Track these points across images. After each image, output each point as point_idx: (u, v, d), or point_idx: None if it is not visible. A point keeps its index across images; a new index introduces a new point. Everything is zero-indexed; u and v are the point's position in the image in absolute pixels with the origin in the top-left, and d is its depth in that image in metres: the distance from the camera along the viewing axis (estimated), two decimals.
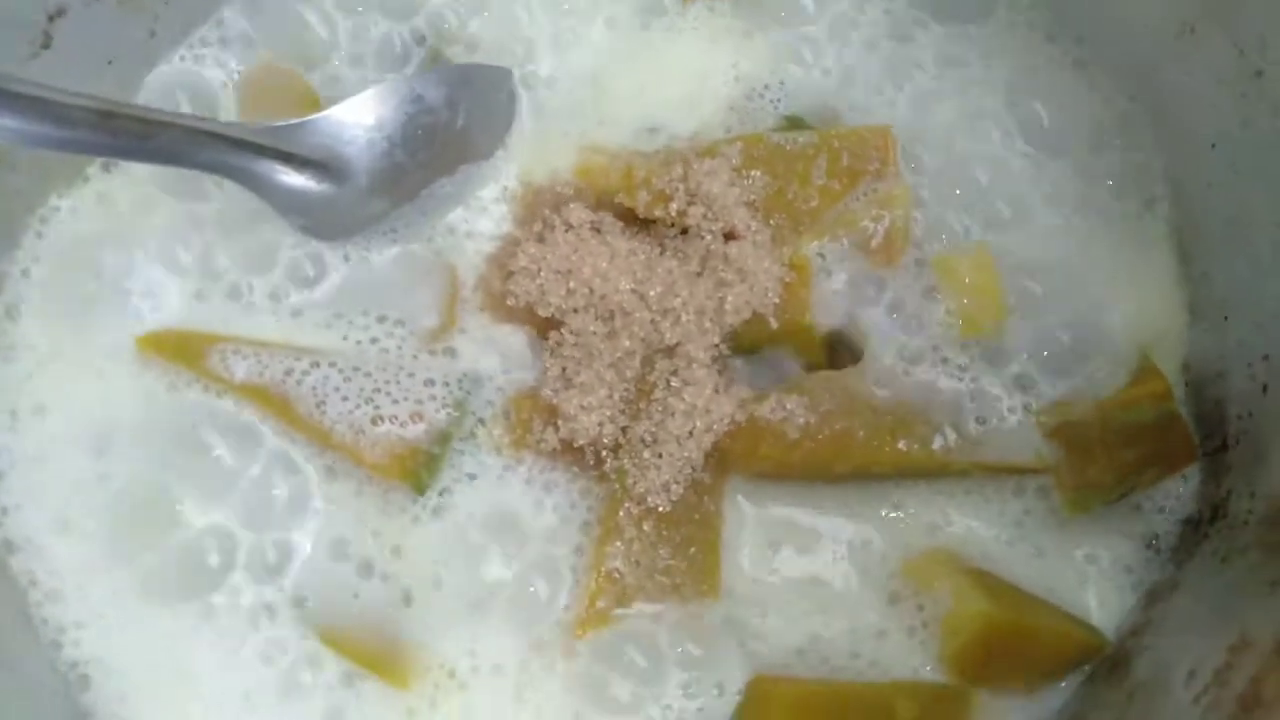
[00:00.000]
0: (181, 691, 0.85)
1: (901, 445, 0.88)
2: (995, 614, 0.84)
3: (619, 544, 0.87)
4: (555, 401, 0.89)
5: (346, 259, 0.94)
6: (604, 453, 0.89)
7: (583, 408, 0.88)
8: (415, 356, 0.92)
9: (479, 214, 0.96)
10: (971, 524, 0.90)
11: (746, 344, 0.92)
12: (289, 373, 0.89)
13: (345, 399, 0.89)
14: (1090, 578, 0.89)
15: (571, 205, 0.93)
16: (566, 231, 0.92)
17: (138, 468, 0.88)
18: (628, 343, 0.89)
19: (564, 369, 0.90)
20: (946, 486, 0.90)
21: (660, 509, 0.87)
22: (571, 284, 0.90)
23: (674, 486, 0.87)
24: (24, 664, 0.84)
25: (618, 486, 0.88)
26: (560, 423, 0.89)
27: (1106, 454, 0.88)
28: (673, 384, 0.88)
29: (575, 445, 0.89)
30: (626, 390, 0.89)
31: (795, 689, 0.84)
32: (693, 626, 0.87)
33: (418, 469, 0.88)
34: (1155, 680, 0.77)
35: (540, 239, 0.92)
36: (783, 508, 0.91)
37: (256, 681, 0.86)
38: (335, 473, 0.90)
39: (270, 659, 0.86)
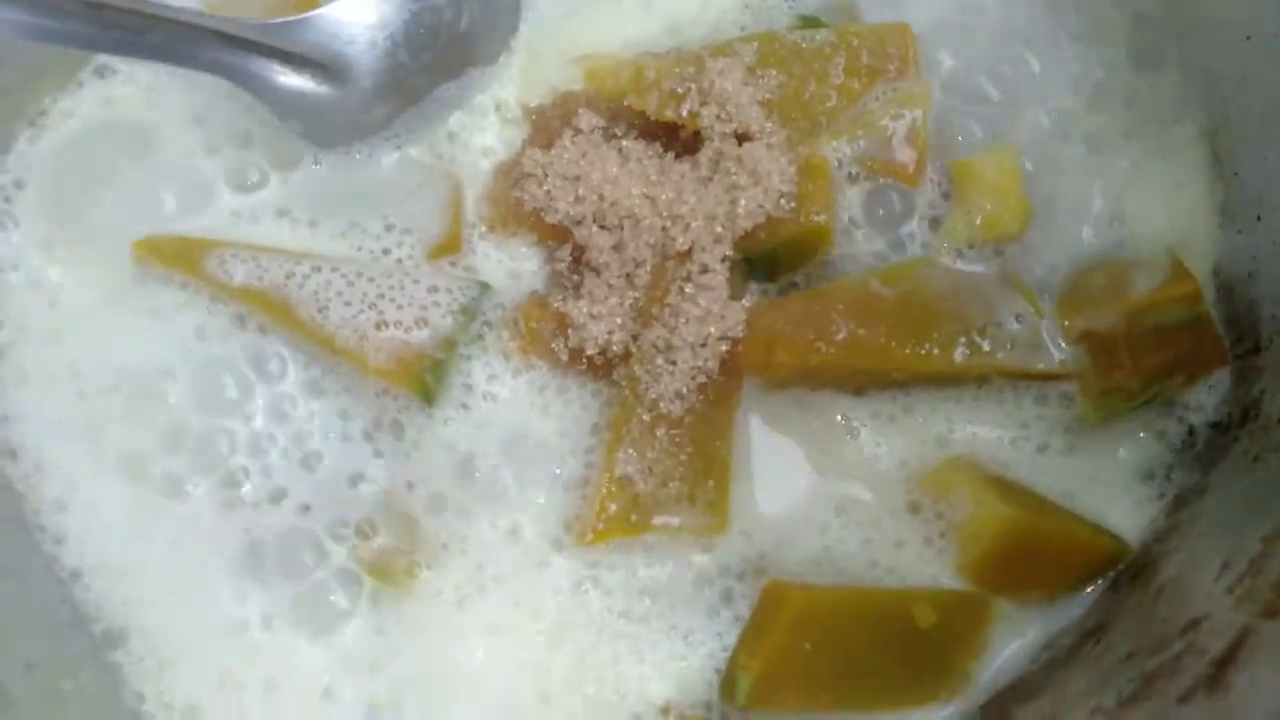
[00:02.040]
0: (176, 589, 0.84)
1: (921, 350, 0.85)
2: (1016, 517, 0.81)
3: (630, 450, 0.85)
4: (564, 310, 0.86)
5: (347, 164, 0.91)
6: (615, 360, 0.87)
7: (592, 316, 0.86)
8: (419, 264, 0.89)
9: (483, 119, 0.93)
10: (993, 431, 0.87)
11: (762, 247, 0.89)
12: (289, 276, 0.87)
13: (348, 304, 0.87)
14: (1115, 484, 0.86)
15: (580, 110, 0.90)
16: (575, 136, 0.89)
17: (136, 375, 0.86)
18: (637, 250, 0.86)
19: (573, 277, 0.88)
20: (967, 394, 0.88)
21: (672, 415, 0.85)
22: (580, 191, 0.87)
23: (687, 393, 0.85)
24: (25, 570, 0.82)
25: (629, 393, 0.86)
26: (570, 331, 0.86)
27: (1133, 358, 0.85)
28: (686, 290, 0.85)
29: (585, 353, 0.86)
30: (637, 298, 0.86)
31: (809, 593, 0.82)
32: (706, 537, 0.85)
33: (422, 374, 0.86)
34: (1183, 577, 0.75)
35: (547, 145, 0.89)
36: (797, 420, 0.88)
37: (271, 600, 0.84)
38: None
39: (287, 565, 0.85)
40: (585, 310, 0.86)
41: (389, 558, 0.84)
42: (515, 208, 0.90)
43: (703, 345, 0.84)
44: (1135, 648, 0.72)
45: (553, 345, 0.87)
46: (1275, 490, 0.74)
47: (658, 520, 0.84)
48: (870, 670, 0.82)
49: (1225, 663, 0.60)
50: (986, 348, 0.85)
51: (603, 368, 0.87)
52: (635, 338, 0.86)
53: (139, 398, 0.86)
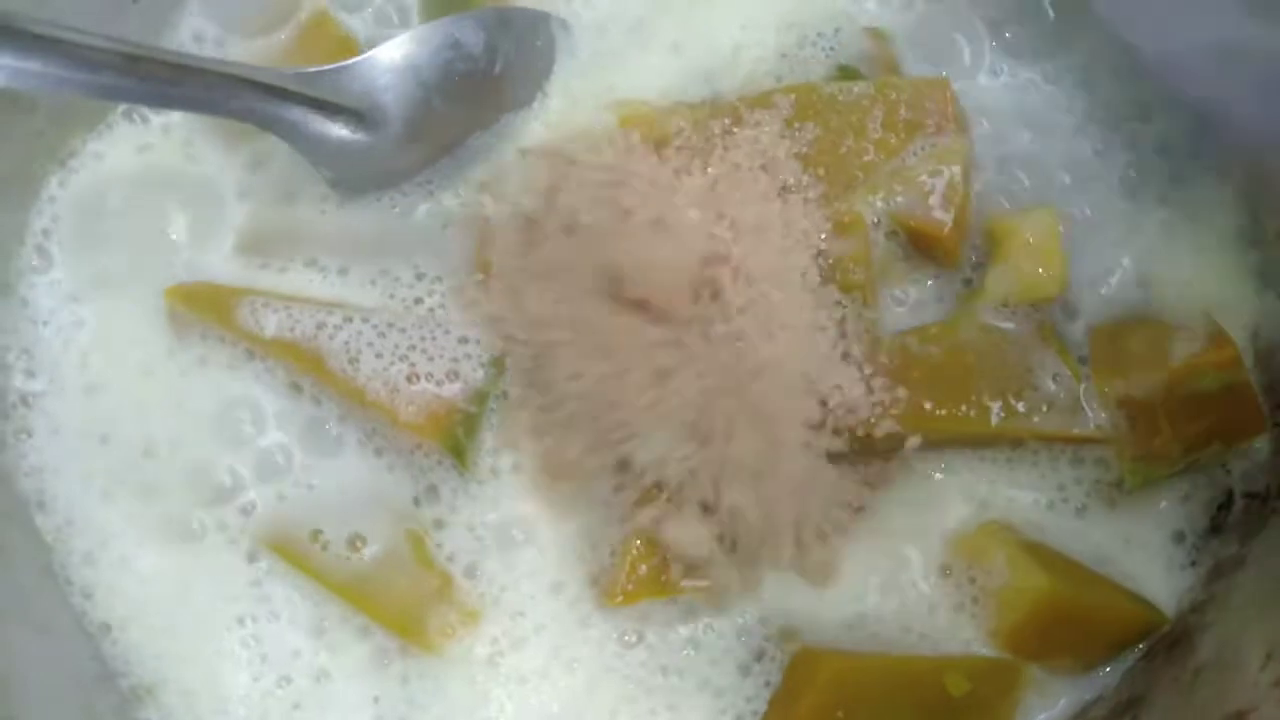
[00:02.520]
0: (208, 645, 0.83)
1: (958, 411, 0.84)
2: (1053, 588, 0.81)
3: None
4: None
5: (378, 211, 0.90)
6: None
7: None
8: (450, 314, 0.88)
9: (512, 168, 0.92)
10: (1027, 495, 0.87)
11: None
12: (320, 327, 0.86)
13: (379, 355, 0.86)
14: (1152, 550, 0.86)
15: None
16: None
17: (166, 427, 0.86)
18: None
19: None
20: (1001, 456, 0.87)
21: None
22: None
23: None
24: (52, 624, 0.82)
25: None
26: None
27: (1171, 424, 0.84)
28: None
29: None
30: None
31: (841, 661, 0.81)
32: (739, 599, 0.84)
33: (453, 428, 0.85)
34: (1224, 660, 0.74)
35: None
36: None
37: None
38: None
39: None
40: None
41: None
42: None
43: None
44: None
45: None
46: None
47: (687, 583, 0.83)
48: None
49: None
50: (1023, 409, 0.85)
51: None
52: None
53: (176, 455, 0.85)
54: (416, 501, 0.86)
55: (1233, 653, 0.74)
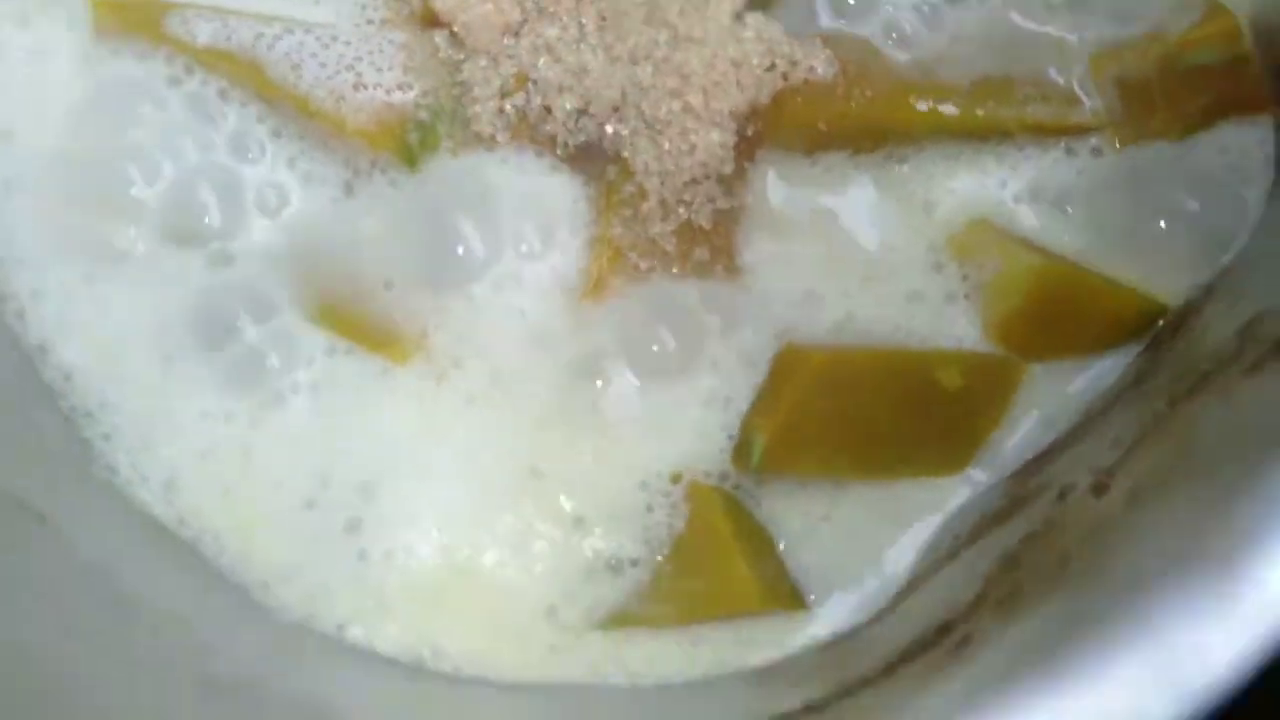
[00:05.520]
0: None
1: (941, 104, 0.79)
2: (1049, 265, 0.76)
3: (628, 211, 0.79)
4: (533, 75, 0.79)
5: None
6: (605, 125, 0.80)
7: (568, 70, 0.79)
8: (400, 28, 0.83)
9: None
10: (1019, 190, 0.81)
11: None
12: (259, 37, 0.80)
13: (323, 65, 0.80)
14: (1154, 240, 0.80)
15: None
16: None
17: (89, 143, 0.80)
18: None
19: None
20: (989, 149, 0.81)
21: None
22: None
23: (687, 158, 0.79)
24: None
25: (624, 155, 0.79)
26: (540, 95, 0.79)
27: (1169, 103, 0.79)
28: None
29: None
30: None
31: (828, 354, 0.76)
32: (717, 300, 0.79)
33: (405, 135, 0.79)
34: (1236, 301, 0.69)
35: None
36: (814, 183, 0.82)
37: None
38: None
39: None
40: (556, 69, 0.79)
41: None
42: None
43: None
44: (1184, 369, 0.66)
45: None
46: None
47: (659, 279, 0.78)
48: (892, 435, 0.76)
49: None
50: (1010, 98, 0.80)
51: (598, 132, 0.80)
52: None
53: (98, 166, 0.80)
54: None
55: (1243, 293, 0.69)
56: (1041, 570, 0.57)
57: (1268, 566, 0.40)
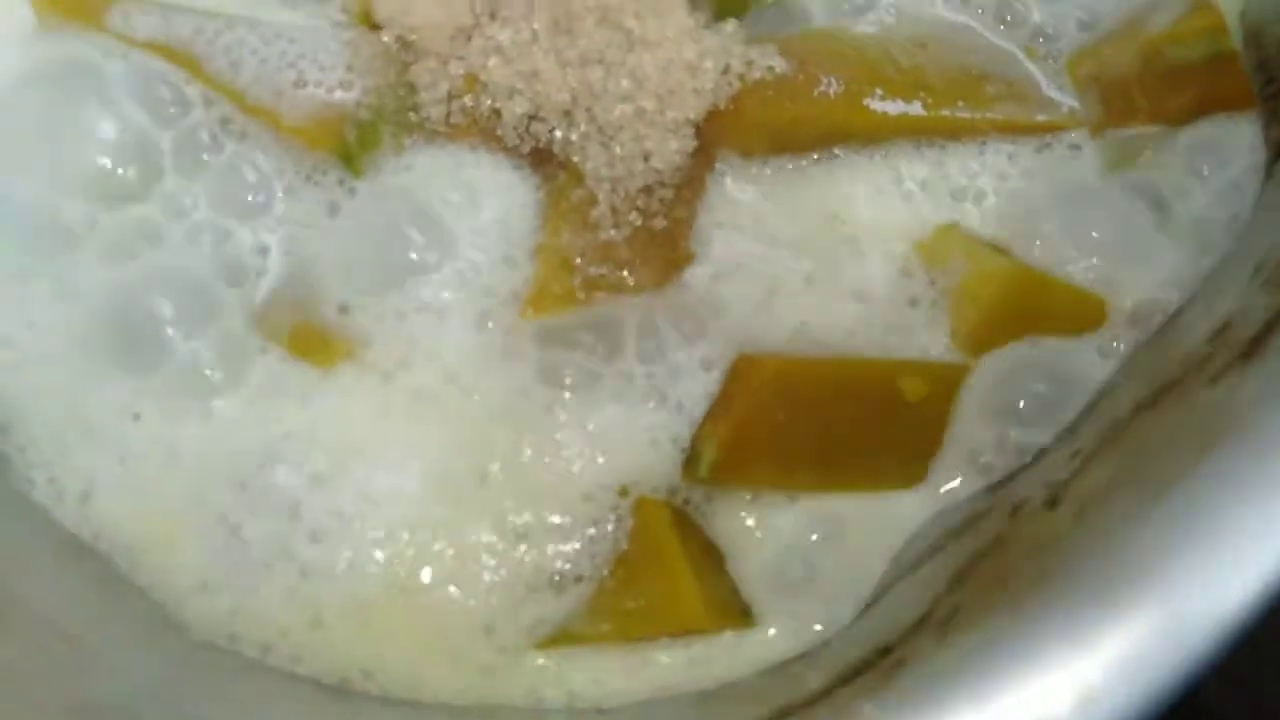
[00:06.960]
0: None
1: (909, 103, 0.76)
2: (1015, 269, 0.72)
3: (577, 218, 0.75)
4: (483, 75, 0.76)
5: None
6: (555, 129, 0.77)
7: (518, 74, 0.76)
8: (346, 28, 0.80)
9: None
10: (988, 192, 0.77)
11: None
12: (199, 32, 0.78)
13: (263, 61, 0.78)
14: (1134, 243, 0.76)
15: None
16: None
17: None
18: None
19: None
20: (960, 150, 0.78)
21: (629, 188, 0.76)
22: None
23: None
24: None
25: (575, 160, 0.76)
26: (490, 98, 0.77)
27: (1150, 101, 0.75)
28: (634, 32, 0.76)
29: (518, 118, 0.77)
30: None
31: (782, 363, 0.72)
32: (670, 308, 0.76)
33: (343, 133, 0.76)
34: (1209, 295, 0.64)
35: None
36: (772, 188, 0.78)
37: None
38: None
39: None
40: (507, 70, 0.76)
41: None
42: None
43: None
44: (1154, 375, 0.61)
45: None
46: None
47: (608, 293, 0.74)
48: (851, 447, 0.72)
49: (1261, 337, 0.50)
50: (981, 97, 0.76)
51: (547, 137, 0.77)
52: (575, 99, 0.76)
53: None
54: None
55: (1216, 290, 0.64)
56: (983, 589, 0.52)
57: (1186, 582, 0.36)
